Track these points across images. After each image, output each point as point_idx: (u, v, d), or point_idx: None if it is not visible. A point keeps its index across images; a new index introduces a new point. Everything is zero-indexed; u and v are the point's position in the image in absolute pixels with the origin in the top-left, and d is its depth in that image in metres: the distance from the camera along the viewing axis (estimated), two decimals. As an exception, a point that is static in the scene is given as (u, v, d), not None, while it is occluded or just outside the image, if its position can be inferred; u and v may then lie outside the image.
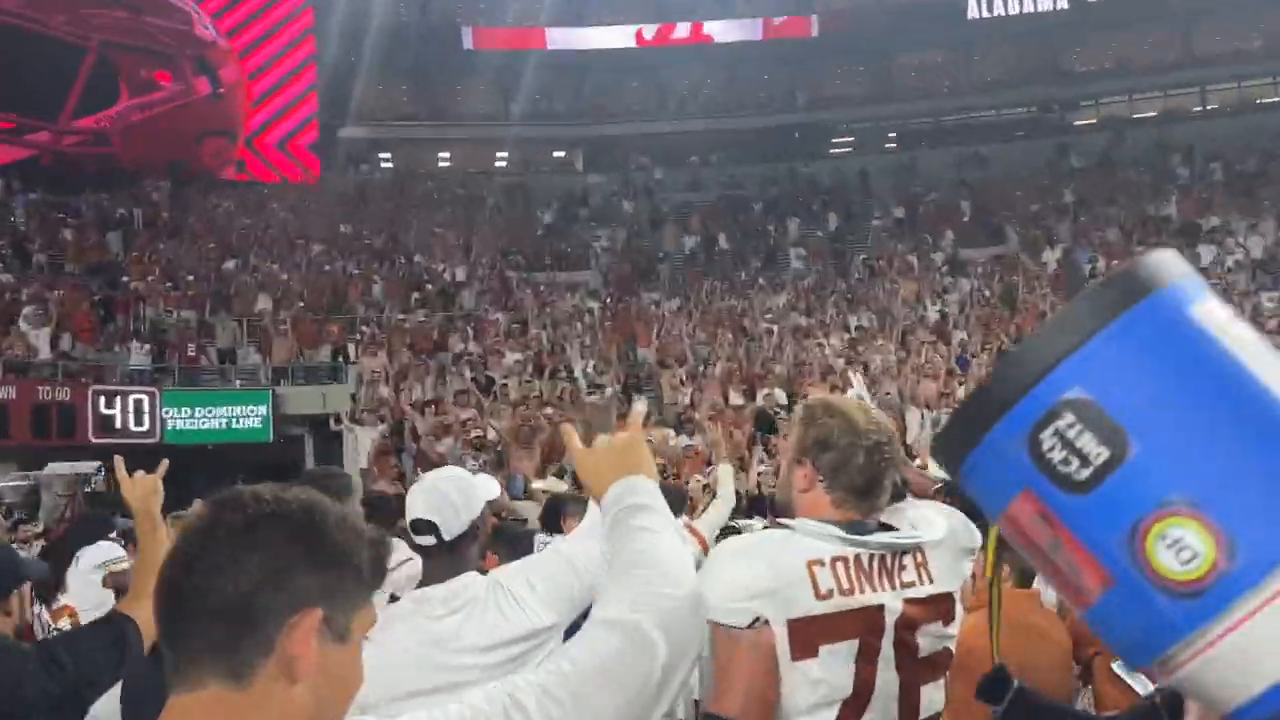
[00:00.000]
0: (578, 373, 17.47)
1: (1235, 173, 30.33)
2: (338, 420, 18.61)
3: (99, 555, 5.45)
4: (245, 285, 22.89)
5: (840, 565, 2.14)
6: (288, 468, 20.81)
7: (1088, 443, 0.70)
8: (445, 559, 2.69)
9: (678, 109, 40.93)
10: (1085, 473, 0.70)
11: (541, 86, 39.52)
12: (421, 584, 2.72)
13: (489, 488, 2.84)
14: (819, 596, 2.10)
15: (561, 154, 42.14)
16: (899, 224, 30.02)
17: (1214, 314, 0.73)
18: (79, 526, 5.98)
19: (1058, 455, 0.71)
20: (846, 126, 41.52)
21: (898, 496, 2.43)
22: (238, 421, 18.94)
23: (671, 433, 15.43)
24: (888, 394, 15.16)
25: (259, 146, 34.50)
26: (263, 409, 19.03)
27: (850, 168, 36.32)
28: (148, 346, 19.98)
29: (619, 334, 20.00)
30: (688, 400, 16.59)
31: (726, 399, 16.24)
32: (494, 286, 23.46)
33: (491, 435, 14.55)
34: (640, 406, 1.96)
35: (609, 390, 16.14)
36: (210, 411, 18.80)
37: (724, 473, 6.48)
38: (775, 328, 19.71)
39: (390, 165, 39.86)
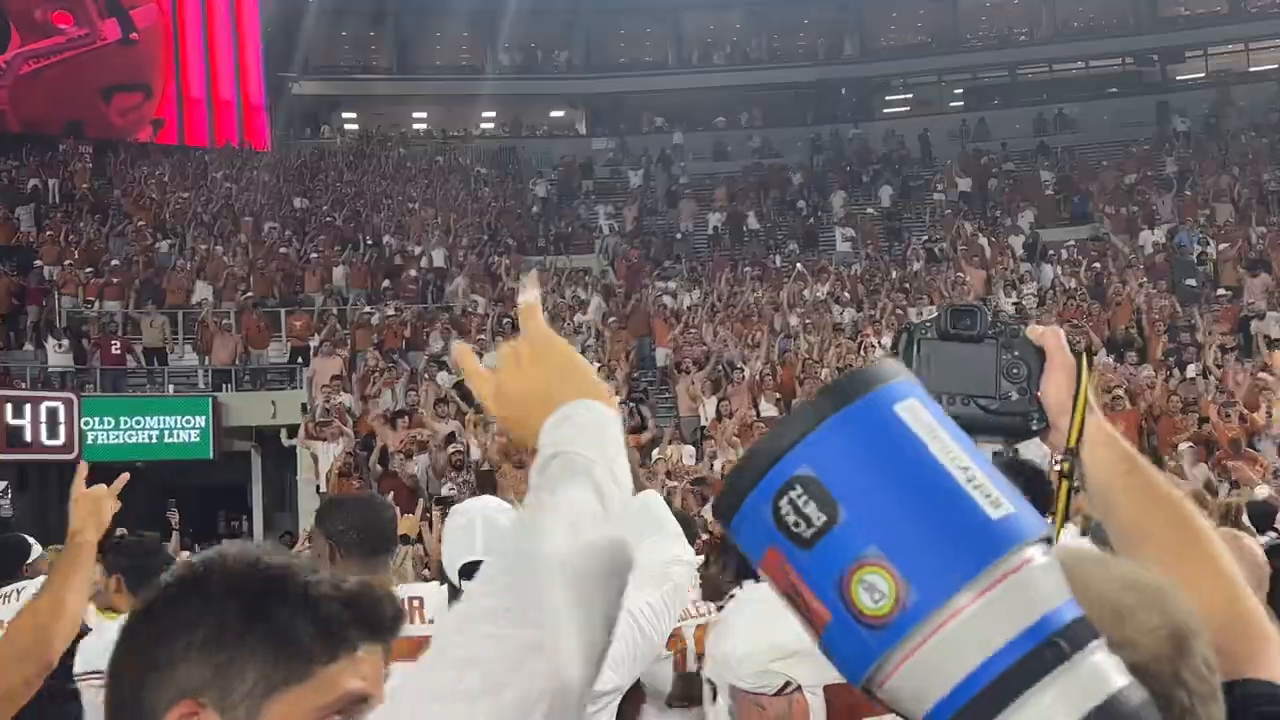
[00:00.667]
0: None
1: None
2: (291, 434, 18.68)
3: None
4: (181, 271, 22.96)
5: None
6: (230, 490, 21.04)
7: (811, 510, 1.08)
8: None
9: (700, 59, 41.06)
10: (809, 532, 1.08)
11: (534, 32, 39.68)
12: None
13: None
14: None
15: (559, 114, 42.30)
16: (965, 199, 29.98)
17: (913, 408, 1.11)
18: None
19: (790, 519, 1.09)
20: (903, 81, 41.56)
21: None
22: (171, 435, 19.03)
23: (690, 450, 15.44)
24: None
25: (189, 104, 34.66)
26: (201, 420, 19.13)
27: (907, 131, 36.29)
28: (65, 344, 20.06)
29: (630, 331, 20.01)
30: (711, 412, 16.60)
31: (757, 410, 16.23)
32: (478, 273, 23.50)
33: (476, 453, 14.56)
34: (532, 291, 1.35)
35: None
36: (138, 422, 18.89)
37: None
38: (816, 324, 19.70)
39: (354, 128, 40.04)
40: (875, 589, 1.07)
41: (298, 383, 19.89)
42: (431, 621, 3.35)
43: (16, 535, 6.48)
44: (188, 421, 19.16)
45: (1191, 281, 21.85)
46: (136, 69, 33.11)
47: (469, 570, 2.71)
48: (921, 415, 1.12)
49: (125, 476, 3.13)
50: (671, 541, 2.97)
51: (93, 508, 3.00)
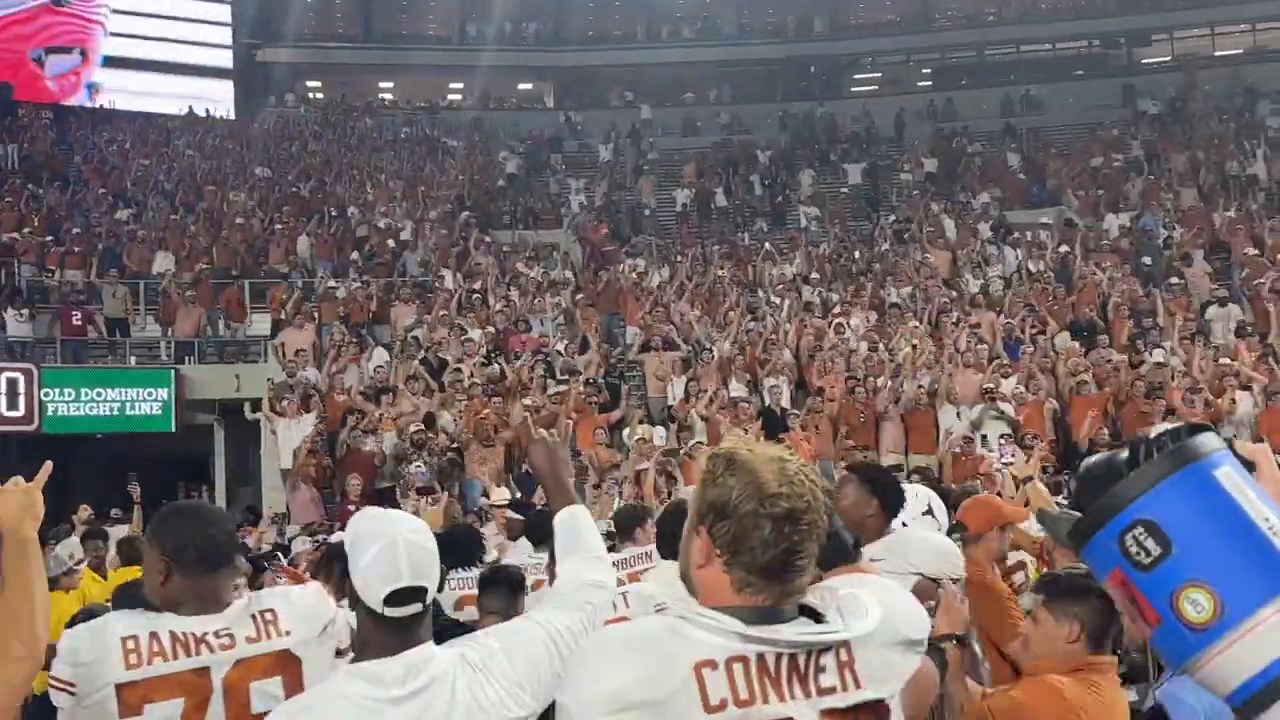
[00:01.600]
0: (552, 355, 17.37)
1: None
2: (255, 408, 18.48)
3: None
4: (142, 241, 22.64)
5: (738, 668, 2.01)
6: (192, 464, 20.80)
7: (1150, 544, 1.64)
8: (407, 628, 2.61)
9: (670, 34, 40.86)
10: (1148, 560, 1.64)
11: (506, 4, 39.31)
12: (361, 655, 2.63)
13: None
14: (708, 709, 1.97)
15: (528, 86, 41.98)
16: (932, 179, 29.98)
17: (1228, 473, 1.66)
18: None
19: (1134, 550, 1.66)
20: (872, 60, 41.53)
21: (840, 560, 2.32)
22: (133, 407, 18.79)
23: (660, 431, 15.39)
24: (920, 387, 15.12)
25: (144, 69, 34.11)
26: (163, 392, 18.89)
27: (875, 110, 36.26)
28: (25, 313, 19.74)
29: (598, 309, 19.87)
30: (680, 392, 16.52)
31: (728, 390, 16.15)
32: (446, 248, 23.28)
33: (444, 433, 14.46)
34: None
35: (583, 380, 16.00)
36: (99, 394, 18.63)
37: None
38: (785, 303, 19.64)
39: (320, 97, 39.58)
40: (1198, 604, 1.62)
41: (262, 356, 19.68)
42: (289, 633, 3.22)
43: None
44: (149, 394, 18.90)
45: (1148, 260, 21.97)
46: (70, 30, 32.49)
47: (395, 598, 2.56)
48: (1234, 479, 1.69)
49: (48, 468, 2.96)
50: (592, 564, 2.93)
51: (29, 501, 2.85)
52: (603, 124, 36.14)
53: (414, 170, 30.68)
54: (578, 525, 3.02)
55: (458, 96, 41.14)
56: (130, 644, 3.05)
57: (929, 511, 6.51)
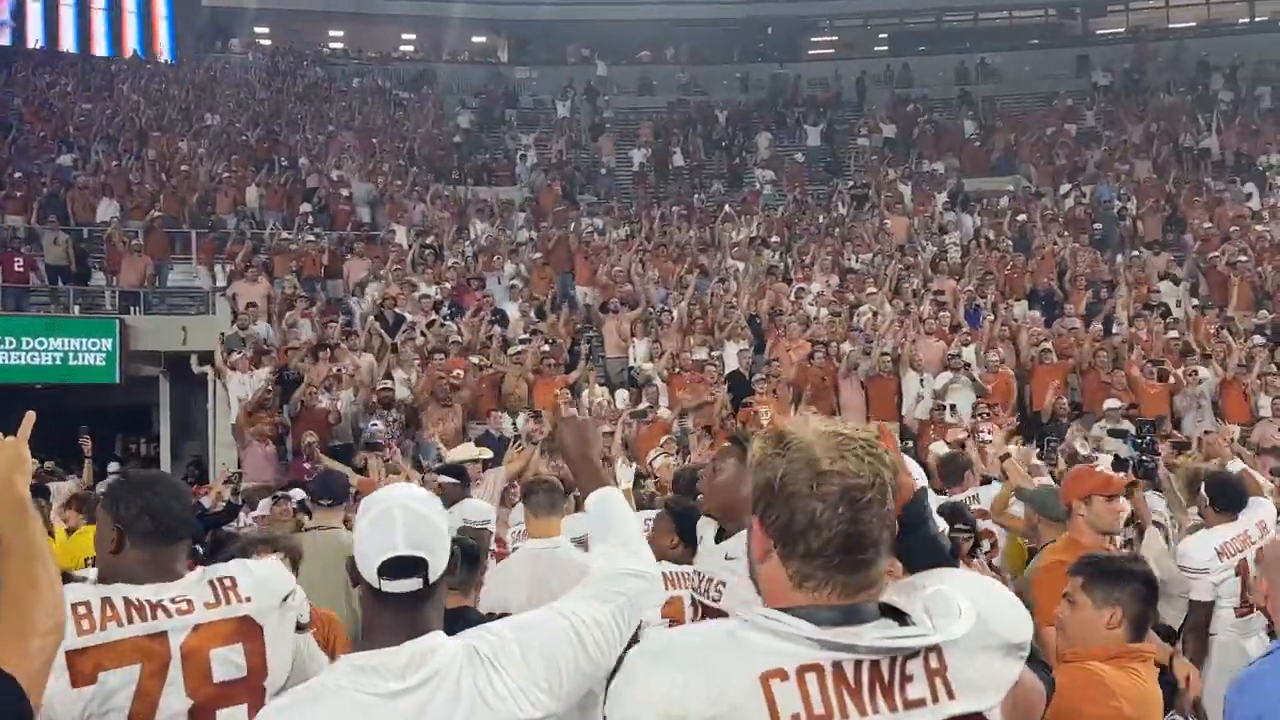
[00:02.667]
0: (512, 315, 17.10)
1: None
2: (202, 360, 18.07)
3: None
4: (84, 186, 22.02)
5: (812, 678, 1.81)
6: (137, 417, 20.35)
7: None
8: (411, 610, 2.38)
9: (627, -9, 40.33)
10: None
11: (458, -48, 38.60)
12: (364, 643, 2.39)
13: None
14: None
15: (482, 39, 41.31)
16: (889, 145, 29.89)
17: None
18: None
19: None
20: (830, 23, 41.29)
21: (938, 563, 2.14)
22: (76, 358, 18.27)
23: (623, 395, 15.20)
24: (885, 354, 15.01)
25: (84, 8, 33.19)
26: (107, 343, 18.39)
27: (835, 74, 36.08)
28: (-37, 260, 19.14)
29: (552, 267, 19.57)
30: (642, 353, 16.35)
31: (690, 353, 15.98)
32: (398, 202, 22.86)
33: (401, 391, 14.16)
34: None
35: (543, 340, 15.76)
36: (41, 344, 18.10)
37: None
38: (744, 265, 19.47)
39: (267, 43, 38.73)
40: None
41: (210, 308, 19.21)
42: (249, 600, 3.09)
43: None
44: (93, 344, 18.38)
45: (1099, 226, 22.08)
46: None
47: (390, 568, 2.37)
48: None
49: (31, 417, 2.65)
50: (628, 551, 2.70)
51: (15, 455, 2.52)
52: (558, 80, 35.66)
53: (366, 122, 30.13)
54: (610, 509, 2.79)
55: (410, 48, 40.45)
56: (81, 609, 2.89)
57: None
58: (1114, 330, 16.58)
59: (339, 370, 14.46)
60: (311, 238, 19.99)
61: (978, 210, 23.73)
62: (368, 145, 27.20)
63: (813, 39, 41.23)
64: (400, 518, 2.39)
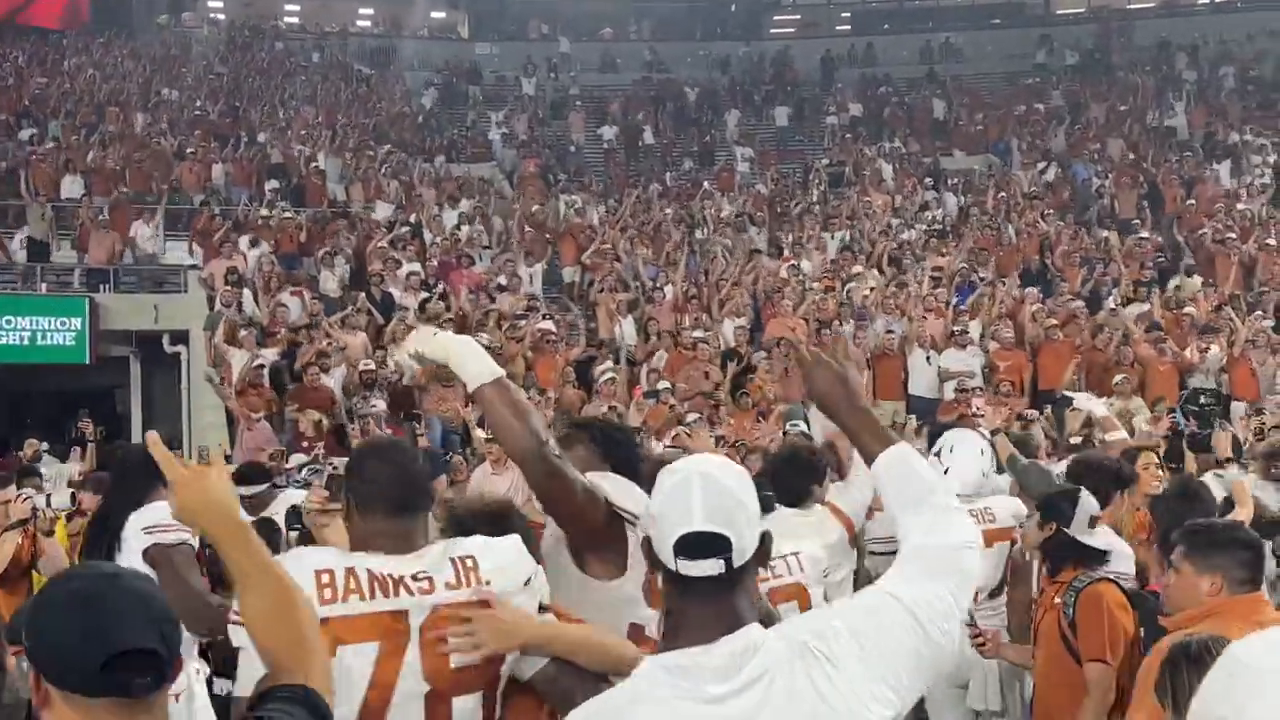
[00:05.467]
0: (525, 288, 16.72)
1: (1249, 79, 30.82)
2: (174, 340, 17.51)
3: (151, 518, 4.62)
4: (44, 159, 21.27)
5: None
6: (107, 398, 19.71)
7: None
8: (718, 600, 2.05)
9: (589, -34, 39.78)
10: None
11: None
12: (670, 641, 2.06)
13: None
14: None
15: (441, 15, 40.61)
16: (857, 123, 29.69)
17: None
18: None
19: None
20: (792, 2, 41.05)
21: None
22: (44, 337, 17.61)
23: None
24: (890, 333, 14.73)
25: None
26: (76, 322, 17.75)
27: (799, 54, 35.84)
28: (-76, 236, 18.39)
29: (539, 244, 19.14)
30: (630, 332, 16.00)
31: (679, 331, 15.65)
32: (370, 178, 22.29)
33: (399, 370, 13.70)
34: None
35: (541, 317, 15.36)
36: (8, 323, 17.43)
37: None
38: (732, 244, 19.18)
39: (221, 17, 37.83)
40: None
41: (182, 286, 18.59)
42: (489, 584, 2.84)
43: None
44: (62, 323, 17.72)
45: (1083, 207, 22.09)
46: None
47: (688, 546, 2.03)
48: None
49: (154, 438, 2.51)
50: (950, 518, 2.29)
51: (226, 482, 2.39)
52: (519, 57, 35.08)
53: (328, 97, 29.44)
54: (914, 470, 2.33)
55: (367, 24, 39.70)
56: (325, 578, 2.76)
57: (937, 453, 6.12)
58: (1110, 308, 16.46)
59: (329, 345, 14.01)
60: (289, 214, 19.38)
61: (960, 189, 23.58)
62: (332, 121, 26.56)
63: (775, 17, 40.96)
64: (699, 487, 2.06)
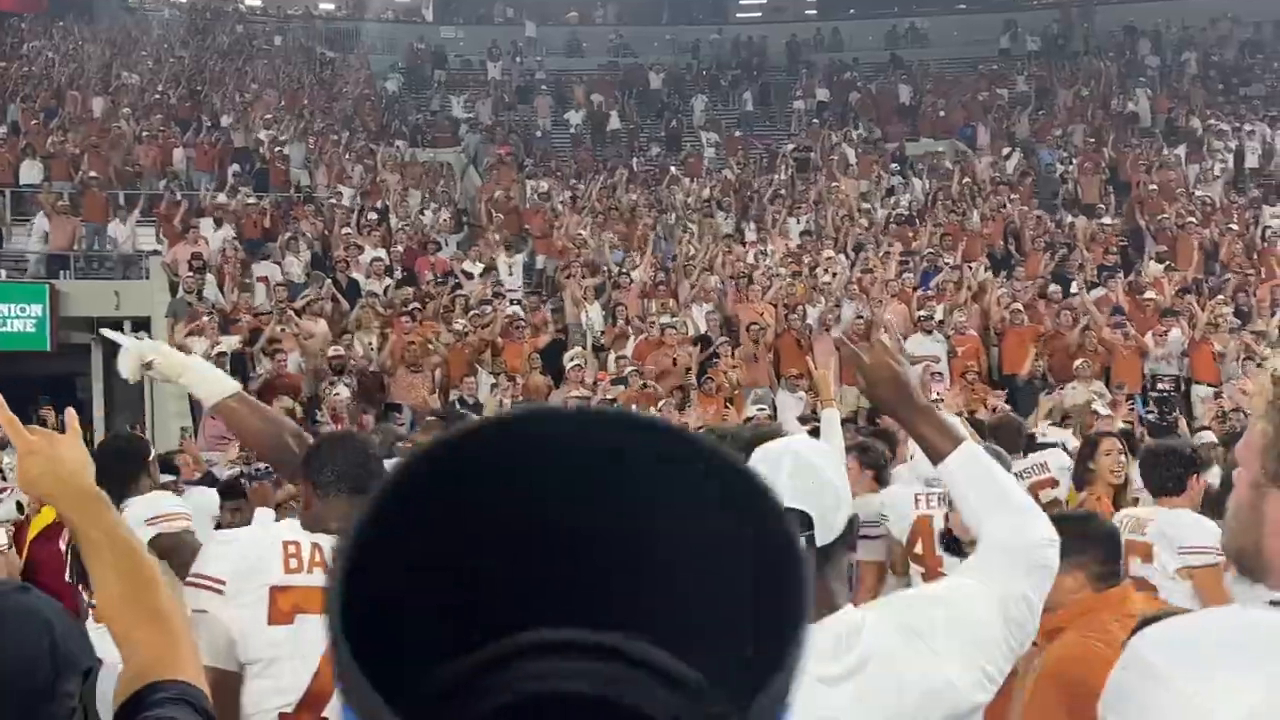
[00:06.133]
0: (475, 275, 16.60)
1: (1211, 64, 31.07)
2: (135, 327, 17.32)
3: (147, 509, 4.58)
4: (5, 146, 20.99)
5: None
6: (68, 385, 19.49)
7: None
8: (825, 577, 2.08)
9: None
10: None
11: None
12: None
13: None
14: None
15: (405, -1, 40.33)
16: (824, 108, 29.71)
17: None
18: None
19: None
20: (759, -14, 40.99)
21: None
22: (4, 324, 17.44)
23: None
24: (859, 319, 14.76)
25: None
26: (37, 309, 17.56)
27: (766, 39, 35.79)
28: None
29: (508, 229, 19.07)
30: (597, 318, 15.98)
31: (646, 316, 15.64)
32: (334, 163, 22.12)
33: (360, 354, 13.64)
34: None
35: (509, 302, 15.30)
36: (-34, 310, 17.27)
37: (829, 418, 5.90)
38: (699, 229, 19.18)
39: (183, 0, 37.34)
40: None
41: (144, 272, 18.42)
42: None
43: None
44: (22, 310, 17.54)
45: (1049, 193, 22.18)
46: None
47: None
48: None
49: (72, 414, 2.29)
50: (1030, 517, 2.28)
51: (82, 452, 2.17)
52: (484, 40, 34.84)
53: (290, 80, 29.18)
54: (987, 470, 2.30)
55: (330, 6, 39.35)
56: (291, 548, 3.00)
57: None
58: (1072, 292, 16.57)
59: (283, 331, 13.90)
60: (252, 200, 19.21)
61: (925, 173, 23.66)
62: (295, 105, 26.33)
63: (742, 1, 40.89)
64: (787, 465, 2.09)
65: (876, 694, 1.97)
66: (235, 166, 21.72)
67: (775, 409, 12.00)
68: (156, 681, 1.90)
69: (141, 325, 17.32)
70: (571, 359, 13.59)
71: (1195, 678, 1.26)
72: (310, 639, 2.82)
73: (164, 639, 1.99)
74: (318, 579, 2.84)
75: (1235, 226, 19.34)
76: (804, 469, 2.09)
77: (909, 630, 2.04)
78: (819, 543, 2.05)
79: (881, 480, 6.14)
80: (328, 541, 2.99)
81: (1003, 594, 2.13)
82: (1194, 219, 18.91)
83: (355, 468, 3.10)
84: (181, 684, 1.92)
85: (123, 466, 4.70)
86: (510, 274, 17.36)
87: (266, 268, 16.84)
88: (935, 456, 2.34)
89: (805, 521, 2.03)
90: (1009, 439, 7.26)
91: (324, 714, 2.90)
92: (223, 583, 2.89)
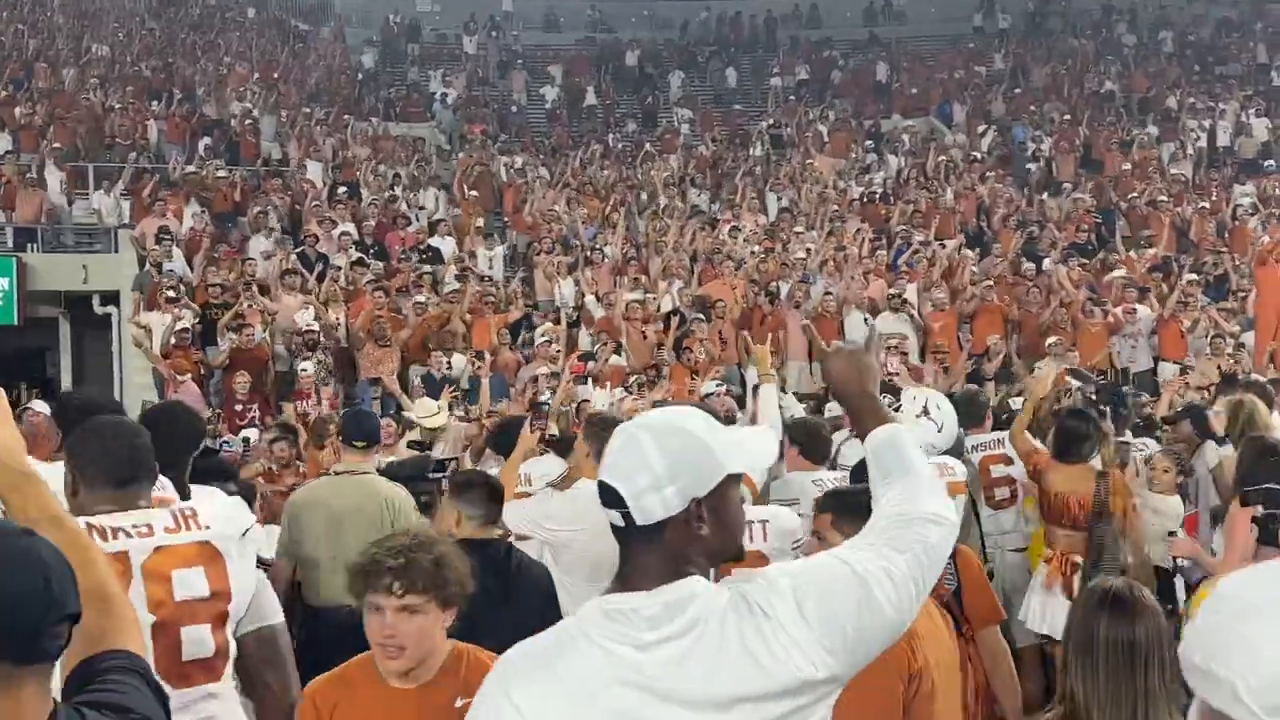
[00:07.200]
0: (446, 252, 16.53)
1: (1187, 43, 31.13)
2: (104, 301, 17.21)
3: None
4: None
5: None
6: (37, 360, 19.37)
7: None
8: (658, 549, 2.07)
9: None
10: None
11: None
12: (617, 585, 2.11)
13: (757, 448, 2.23)
14: None
15: (380, -30, 39.92)
16: (803, 86, 29.66)
17: None
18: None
19: None
20: (736, -40, 40.74)
21: None
22: (-30, 298, 17.29)
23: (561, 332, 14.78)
24: (828, 294, 14.78)
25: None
26: (4, 282, 17.39)
27: (743, 14, 35.65)
28: None
29: (480, 204, 18.99)
30: (569, 293, 15.94)
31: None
32: (311, 137, 21.97)
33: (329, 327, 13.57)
34: None
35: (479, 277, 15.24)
36: (-68, 284, 17.09)
37: (767, 394, 5.86)
38: (671, 205, 19.13)
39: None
40: None
41: (112, 245, 18.26)
42: (208, 528, 3.27)
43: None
44: (-11, 284, 17.39)
45: (1028, 168, 22.20)
46: None
47: (602, 495, 2.13)
48: None
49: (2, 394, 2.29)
50: (923, 491, 2.26)
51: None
52: (460, 14, 34.60)
53: (263, 54, 28.93)
54: (900, 447, 2.34)
55: (302, -21, 38.93)
56: None
57: (925, 412, 6.14)
58: (1044, 269, 16.61)
59: (248, 308, 13.81)
60: (223, 173, 19.05)
61: (900, 150, 23.65)
62: (268, 78, 26.12)
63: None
64: (616, 442, 2.13)
65: (691, 659, 1.97)
66: (206, 140, 21.54)
67: (744, 385, 11.97)
68: (105, 650, 1.96)
69: (110, 299, 17.24)
70: (542, 334, 13.54)
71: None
72: None
73: (105, 613, 2.03)
74: None
75: (1207, 205, 19.40)
76: (627, 447, 2.09)
77: (744, 600, 2.03)
78: (639, 522, 2.05)
79: (817, 460, 6.03)
80: (90, 519, 3.07)
81: (867, 566, 2.10)
82: (1165, 197, 18.95)
83: (115, 460, 3.22)
84: (128, 653, 1.98)
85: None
86: (490, 267, 17.21)
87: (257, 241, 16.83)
88: (863, 435, 2.41)
89: (617, 498, 2.06)
90: (971, 412, 7.30)
91: None
92: None
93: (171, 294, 13.62)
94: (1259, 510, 4.65)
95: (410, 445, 8.79)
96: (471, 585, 3.27)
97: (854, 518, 3.03)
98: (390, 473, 6.47)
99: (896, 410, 5.96)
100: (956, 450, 6.66)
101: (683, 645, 1.98)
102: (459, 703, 3.04)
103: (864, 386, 2.45)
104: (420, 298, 14.13)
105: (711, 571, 2.11)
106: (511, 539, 4.84)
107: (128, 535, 3.13)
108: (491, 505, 4.57)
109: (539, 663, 2.04)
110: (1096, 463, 6.44)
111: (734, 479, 2.14)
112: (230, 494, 3.69)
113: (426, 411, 9.55)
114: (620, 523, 2.07)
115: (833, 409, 8.40)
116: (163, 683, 2.11)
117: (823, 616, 2.02)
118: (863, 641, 2.04)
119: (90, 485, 3.20)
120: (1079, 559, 6.20)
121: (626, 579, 2.08)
